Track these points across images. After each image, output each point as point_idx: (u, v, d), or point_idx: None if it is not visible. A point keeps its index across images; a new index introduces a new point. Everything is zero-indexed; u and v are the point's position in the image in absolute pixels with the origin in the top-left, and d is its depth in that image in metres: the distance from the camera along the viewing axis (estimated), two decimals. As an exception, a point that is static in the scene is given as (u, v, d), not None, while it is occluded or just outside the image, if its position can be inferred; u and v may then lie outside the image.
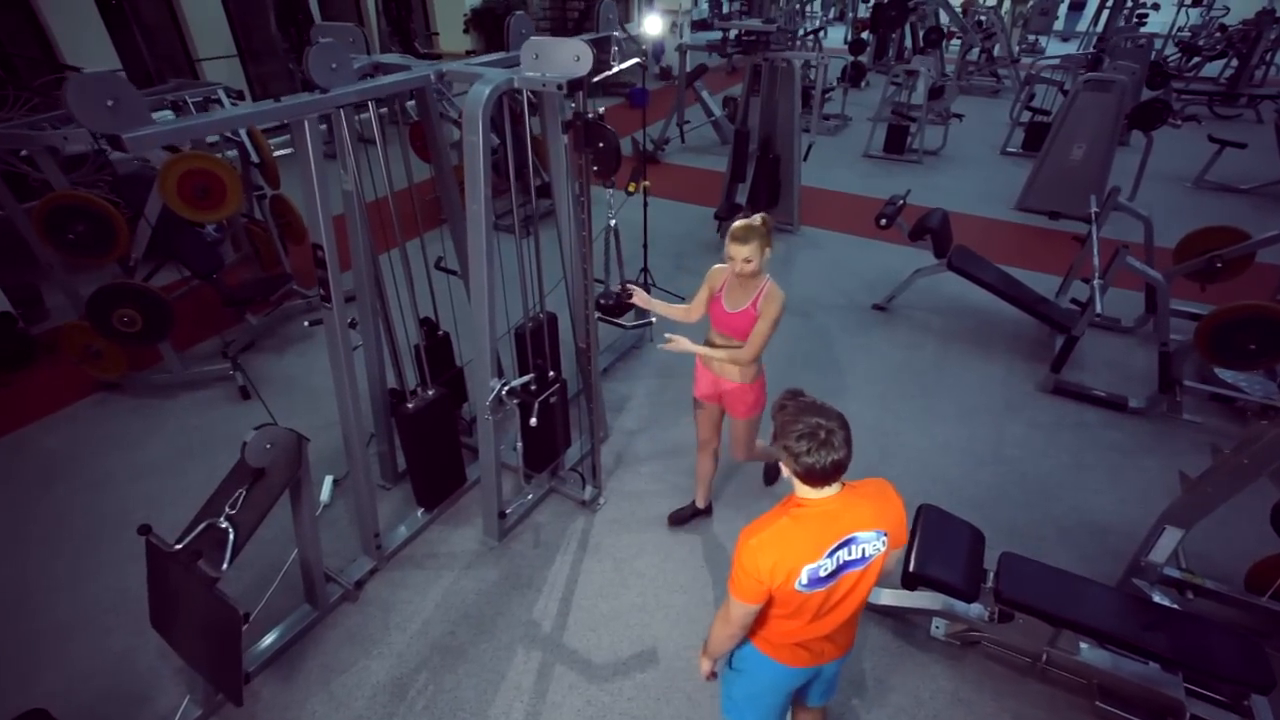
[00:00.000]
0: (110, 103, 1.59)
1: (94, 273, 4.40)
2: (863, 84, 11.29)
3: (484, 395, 2.64)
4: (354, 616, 2.75)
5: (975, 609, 2.53)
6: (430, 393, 2.98)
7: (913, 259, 5.12)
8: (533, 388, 2.76)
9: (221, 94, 4.12)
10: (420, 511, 3.16)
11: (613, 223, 3.97)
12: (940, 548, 2.46)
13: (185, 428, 3.82)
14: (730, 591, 1.57)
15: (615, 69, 3.28)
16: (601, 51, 3.00)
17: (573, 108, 2.36)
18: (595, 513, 3.23)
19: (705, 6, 17.58)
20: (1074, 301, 4.12)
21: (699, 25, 15.47)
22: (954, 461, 3.55)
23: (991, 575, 2.43)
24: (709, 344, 2.60)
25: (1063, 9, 14.61)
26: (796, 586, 1.50)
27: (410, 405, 2.90)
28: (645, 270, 4.63)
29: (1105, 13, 11.83)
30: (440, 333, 3.40)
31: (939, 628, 2.66)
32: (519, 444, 2.86)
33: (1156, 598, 2.53)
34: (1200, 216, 4.32)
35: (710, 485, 3.13)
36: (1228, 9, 13.37)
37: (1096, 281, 3.61)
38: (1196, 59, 11.71)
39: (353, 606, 2.79)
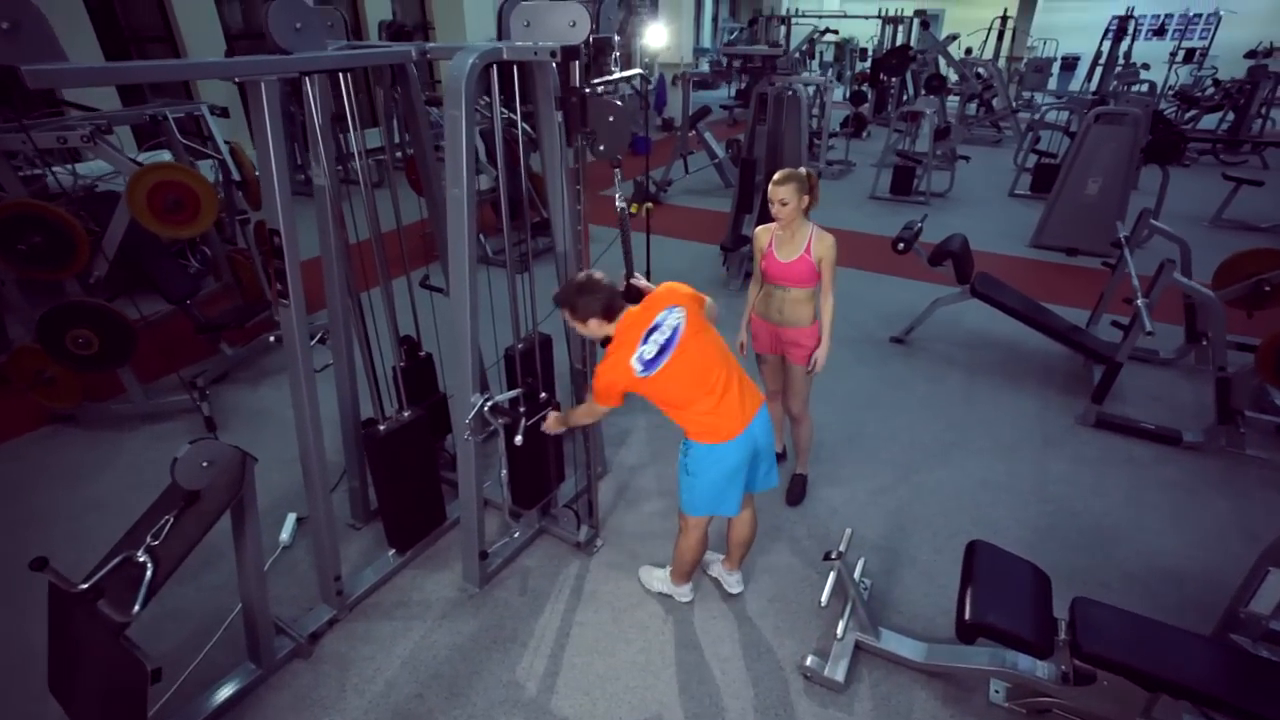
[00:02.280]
0: (5, 25, 1.31)
1: (57, 296, 4.12)
2: (864, 134, 11.34)
3: (464, 412, 2.30)
4: (305, 676, 2.33)
5: (1045, 668, 2.11)
6: (406, 414, 2.64)
7: (928, 293, 4.84)
8: (521, 408, 2.42)
9: (205, 109, 3.94)
10: (391, 553, 2.76)
11: (620, 204, 3.58)
12: (999, 591, 2.07)
13: (140, 462, 3.45)
14: (593, 399, 2.14)
15: (616, 75, 3.08)
16: (602, 55, 2.80)
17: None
18: (591, 556, 2.84)
19: (706, 67, 18.05)
20: (1115, 324, 3.80)
21: (700, 84, 15.80)
22: (995, 499, 3.16)
23: (1064, 625, 2.03)
24: (767, 298, 2.83)
25: (1055, 66, 14.89)
26: (636, 373, 2.00)
27: (381, 427, 2.56)
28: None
29: (1098, 70, 12.04)
30: (422, 353, 3.08)
31: (999, 692, 2.23)
32: (504, 470, 2.49)
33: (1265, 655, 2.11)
34: (1224, 253, 4.06)
35: (781, 431, 3.30)
36: (1215, 69, 13.66)
37: (1140, 301, 3.31)
38: (1194, 110, 11.79)
39: (304, 664, 2.37)
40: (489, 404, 2.29)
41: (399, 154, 3.15)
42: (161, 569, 1.81)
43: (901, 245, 4.21)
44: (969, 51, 12.31)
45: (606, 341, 2.12)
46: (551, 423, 2.43)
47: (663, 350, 2.01)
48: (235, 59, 1.74)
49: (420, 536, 2.82)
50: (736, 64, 11.76)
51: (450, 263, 2.15)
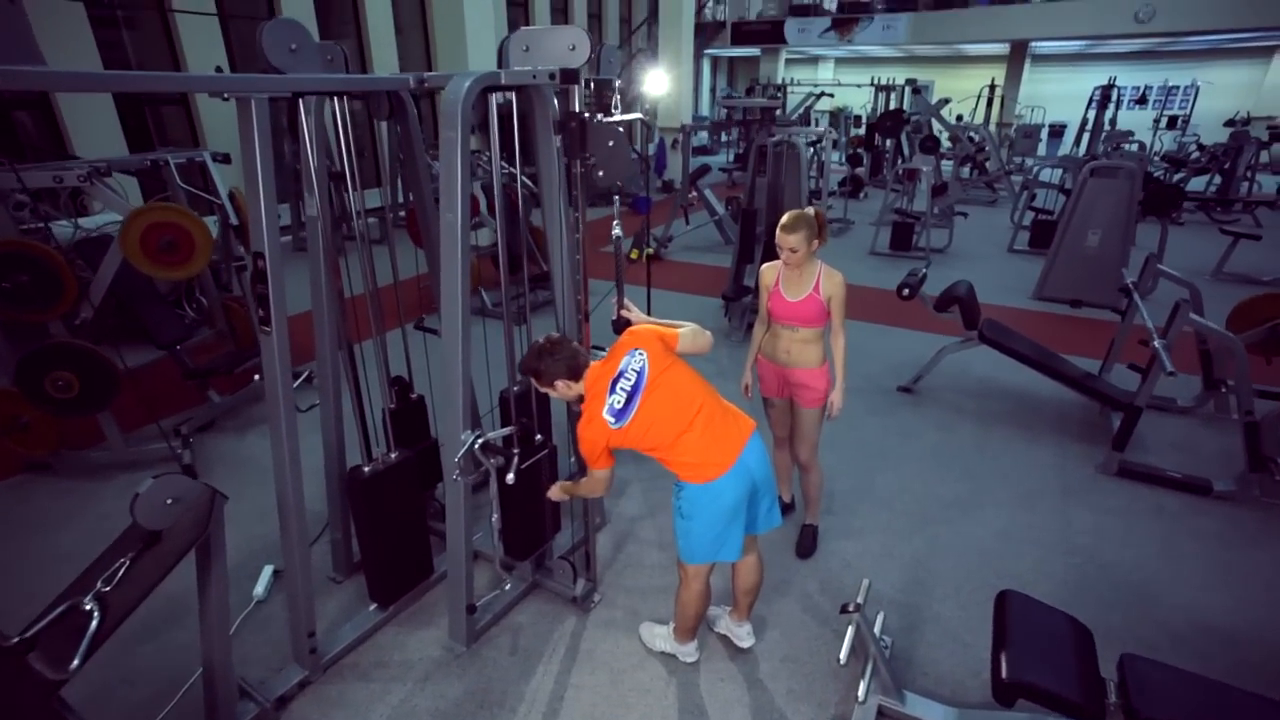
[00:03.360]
0: (-21, 21, 1.26)
1: (39, 339, 4.02)
2: (862, 195, 11.54)
3: (454, 450, 2.16)
4: (269, 746, 2.10)
5: (1094, 735, 1.89)
6: (393, 455, 2.50)
7: (934, 343, 4.74)
8: (515, 449, 2.27)
9: (206, 156, 3.95)
10: (373, 608, 2.56)
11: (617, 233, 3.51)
12: (1039, 647, 1.87)
13: (114, 512, 3.27)
14: (590, 468, 2.08)
15: (617, 117, 3.08)
16: (602, 97, 2.80)
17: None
18: (588, 612, 2.63)
19: (705, 135, 18.62)
20: (1132, 366, 3.69)
21: (699, 150, 16.26)
22: (1018, 552, 2.97)
23: (1113, 685, 1.82)
24: (773, 339, 2.73)
25: (1044, 132, 15.35)
26: (611, 426, 1.95)
27: (366, 469, 2.40)
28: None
29: (1086, 135, 12.39)
30: (414, 396, 2.96)
31: (1042, 764, 2.00)
32: (495, 515, 2.32)
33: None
34: (1229, 304, 4.00)
35: (790, 480, 3.15)
36: (1198, 135, 14.09)
37: (1158, 342, 3.21)
38: (1182, 172, 12.04)
39: (269, 733, 2.14)
40: (480, 441, 2.15)
41: (399, 212, 3.15)
42: (110, 618, 1.63)
43: (907, 291, 4.15)
44: (960, 118, 12.70)
45: (581, 401, 2.06)
46: (555, 491, 2.29)
47: (630, 397, 1.95)
48: (226, 75, 1.70)
49: (404, 590, 2.62)
50: (736, 116, 12.06)
51: (443, 288, 2.05)
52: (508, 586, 2.44)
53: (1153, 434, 3.91)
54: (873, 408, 4.32)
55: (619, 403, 1.95)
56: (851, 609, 2.07)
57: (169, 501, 1.76)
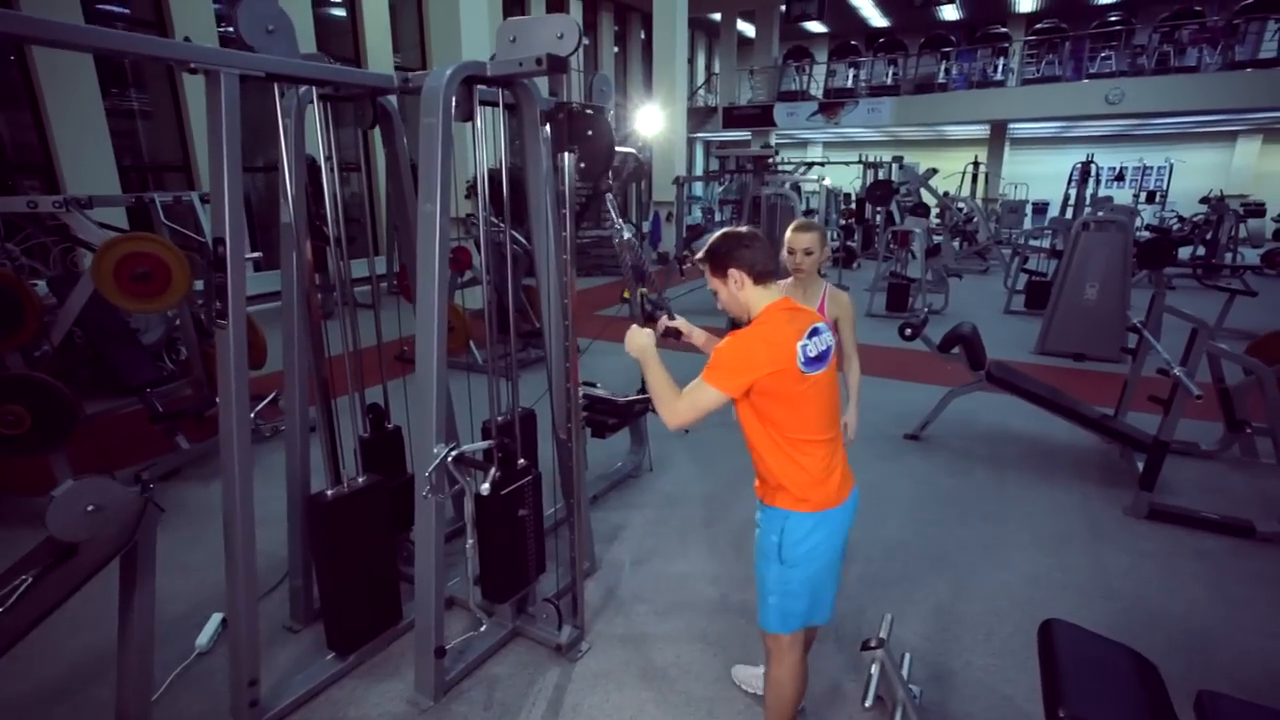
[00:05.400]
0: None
1: None
2: (855, 265, 11.68)
3: (425, 463, 1.94)
4: (190, 820, 1.76)
5: (1174, 790, 1.59)
6: (360, 480, 2.27)
7: (938, 394, 4.55)
8: (494, 469, 2.04)
9: (195, 197, 3.90)
10: (330, 657, 2.25)
11: (626, 235, 3.39)
12: (1097, 680, 1.60)
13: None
14: (706, 380, 1.57)
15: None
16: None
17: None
18: (574, 662, 2.32)
19: (699, 213, 19.12)
20: (1152, 398, 3.50)
21: (693, 231, 16.59)
22: (1052, 597, 2.69)
23: (1191, 728, 1.54)
24: None
25: (1028, 208, 15.78)
26: (799, 363, 1.55)
27: (329, 494, 2.17)
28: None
29: (1070, 209, 12.72)
30: (390, 425, 2.75)
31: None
32: (470, 542, 2.06)
33: None
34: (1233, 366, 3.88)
35: None
36: (1176, 210, 14.53)
37: (1179, 370, 3.05)
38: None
39: (193, 803, 1.81)
40: (455, 454, 1.93)
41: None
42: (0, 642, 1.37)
43: (909, 331, 4.03)
44: (946, 194, 13.06)
45: (732, 327, 1.68)
46: (633, 339, 1.76)
47: (823, 357, 1.61)
48: (196, 45, 1.61)
49: (367, 638, 2.32)
50: (730, 166, 12.25)
51: (419, 278, 1.90)
52: (484, 628, 2.15)
53: (1178, 478, 3.68)
54: (880, 453, 4.10)
55: (814, 350, 1.58)
56: (874, 644, 1.81)
57: (89, 509, 1.54)
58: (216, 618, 2.49)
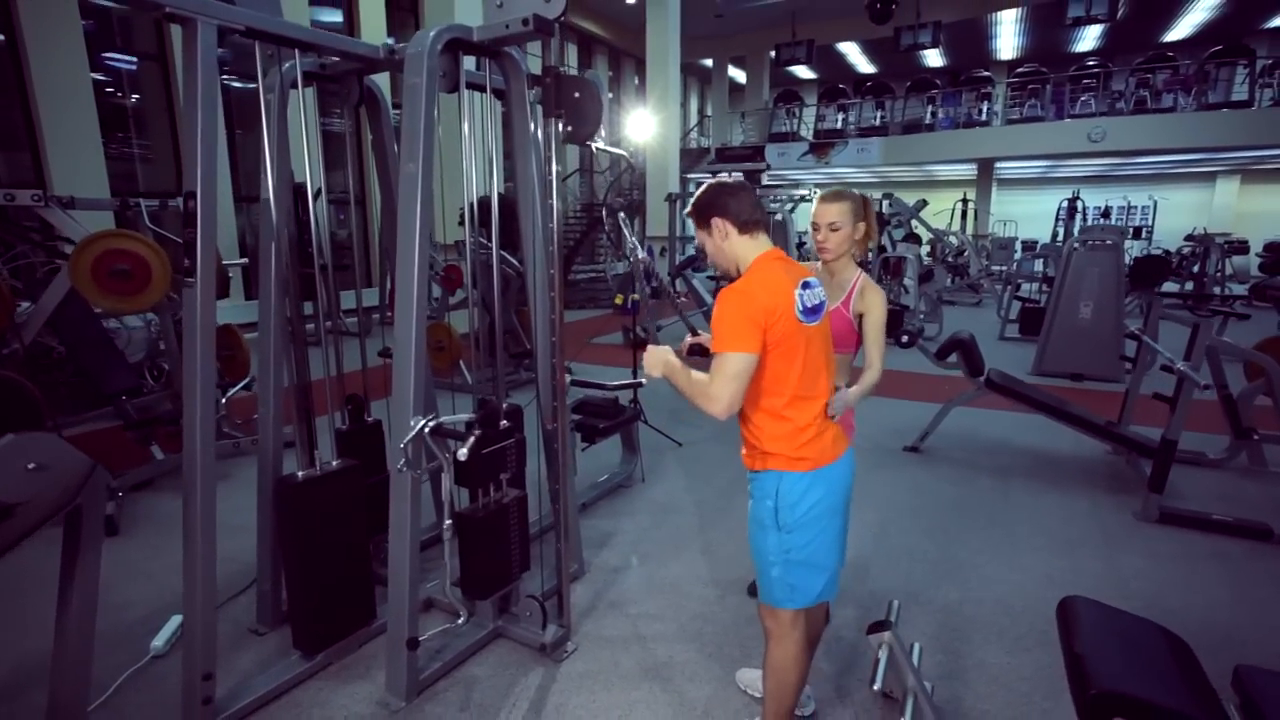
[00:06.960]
0: None
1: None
2: (846, 296, 11.70)
3: (400, 435, 1.83)
4: (128, 828, 1.58)
5: (1217, 776, 1.44)
6: (334, 464, 2.14)
7: (934, 411, 4.46)
8: (475, 432, 1.90)
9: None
10: (295, 656, 2.09)
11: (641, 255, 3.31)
12: (1126, 654, 1.47)
13: (16, 570, 2.80)
14: (723, 349, 1.47)
15: (600, 145, 3.04)
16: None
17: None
18: (560, 663, 2.16)
19: (692, 249, 19.30)
20: (1157, 396, 3.41)
21: (686, 263, 16.68)
22: (1066, 596, 2.54)
23: (1232, 706, 1.41)
24: None
25: (1017, 244, 15.97)
26: (797, 313, 1.50)
27: (299, 476, 2.05)
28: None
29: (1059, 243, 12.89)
30: (370, 419, 2.64)
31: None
32: (448, 523, 1.93)
33: None
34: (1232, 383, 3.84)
35: None
36: (1162, 247, 14.75)
37: (1182, 365, 2.98)
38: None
39: (133, 810, 1.63)
40: (433, 424, 1.82)
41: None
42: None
43: (906, 339, 3.97)
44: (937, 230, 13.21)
45: (723, 282, 1.60)
46: (650, 357, 1.63)
47: (816, 310, 1.55)
48: (168, -12, 1.56)
49: (337, 637, 2.15)
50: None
51: (400, 237, 1.83)
52: (461, 620, 1.99)
53: (1187, 486, 3.57)
54: (879, 464, 3.98)
55: (810, 300, 1.53)
56: (881, 628, 1.67)
57: (30, 467, 1.42)
58: (175, 620, 2.32)
